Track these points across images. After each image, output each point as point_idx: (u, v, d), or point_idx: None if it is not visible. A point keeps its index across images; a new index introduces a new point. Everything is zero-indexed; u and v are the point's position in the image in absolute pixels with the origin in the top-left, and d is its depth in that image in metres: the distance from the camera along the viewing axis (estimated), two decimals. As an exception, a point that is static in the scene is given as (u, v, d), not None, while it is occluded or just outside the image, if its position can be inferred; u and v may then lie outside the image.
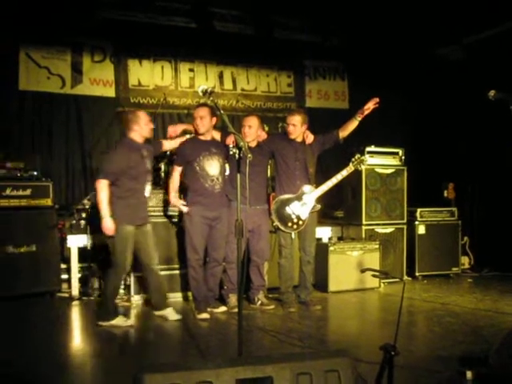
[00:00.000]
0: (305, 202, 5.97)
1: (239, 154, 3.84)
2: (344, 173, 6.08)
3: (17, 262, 6.30)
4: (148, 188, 5.47)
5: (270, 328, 5.26)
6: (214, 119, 5.81)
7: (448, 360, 4.23)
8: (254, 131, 5.94)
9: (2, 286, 5.80)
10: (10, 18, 7.37)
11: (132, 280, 6.35)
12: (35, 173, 6.56)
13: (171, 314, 5.57)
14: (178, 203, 5.82)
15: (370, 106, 6.02)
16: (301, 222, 5.97)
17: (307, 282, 6.25)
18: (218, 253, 5.88)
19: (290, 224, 5.97)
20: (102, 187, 5.12)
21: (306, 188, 5.99)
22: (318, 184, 6.10)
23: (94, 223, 6.30)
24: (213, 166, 5.75)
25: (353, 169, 6.12)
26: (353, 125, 6.16)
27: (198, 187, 5.72)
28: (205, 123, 5.74)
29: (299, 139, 6.07)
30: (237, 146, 3.85)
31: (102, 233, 5.20)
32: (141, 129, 5.37)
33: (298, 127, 5.99)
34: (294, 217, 5.96)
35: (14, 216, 6.33)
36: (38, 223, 6.51)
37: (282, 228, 5.99)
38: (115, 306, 5.69)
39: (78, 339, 5.32)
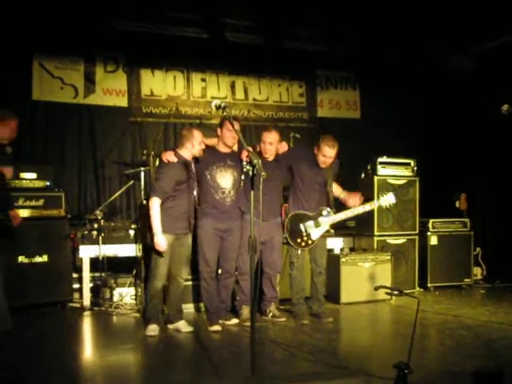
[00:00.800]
0: (320, 224, 5.94)
1: (253, 172, 3.83)
2: (368, 207, 6.04)
3: (29, 272, 6.34)
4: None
5: (282, 341, 5.24)
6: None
7: (460, 375, 4.19)
8: (274, 148, 5.92)
9: (14, 295, 5.80)
10: (24, 28, 7.42)
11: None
12: (48, 183, 6.60)
13: (184, 326, 5.58)
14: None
15: (356, 201, 6.07)
16: (310, 242, 5.97)
17: (319, 294, 6.24)
18: (229, 264, 5.89)
19: (299, 240, 5.97)
20: (154, 205, 5.30)
21: (325, 211, 5.97)
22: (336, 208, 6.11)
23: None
24: (225, 179, 5.75)
25: (379, 205, 6.06)
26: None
27: (208, 198, 5.73)
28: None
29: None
30: (250, 163, 3.84)
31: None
32: (192, 147, 5.46)
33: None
34: (304, 235, 5.95)
35: (27, 226, 6.34)
36: (51, 233, 6.55)
37: (290, 242, 6.00)
38: (177, 311, 5.72)
39: (89, 350, 5.34)
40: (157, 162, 7.49)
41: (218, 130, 5.84)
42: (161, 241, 5.28)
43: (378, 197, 6.13)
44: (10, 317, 5.23)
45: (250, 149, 4.18)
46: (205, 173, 5.71)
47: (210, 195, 5.72)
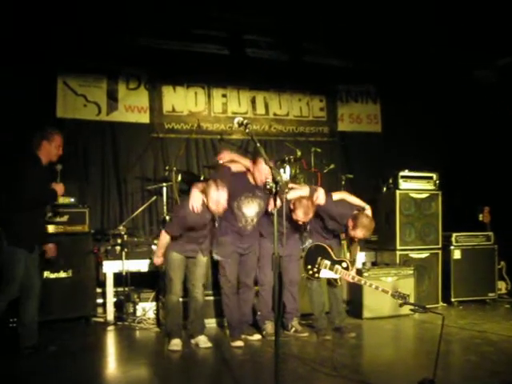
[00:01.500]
0: (335, 270, 5.93)
1: (276, 188, 3.85)
2: (380, 288, 5.87)
3: (53, 287, 6.40)
4: None
5: (305, 356, 5.23)
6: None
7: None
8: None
9: (39, 310, 5.86)
10: (48, 47, 7.57)
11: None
12: (72, 199, 6.67)
13: (203, 342, 5.60)
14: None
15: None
16: (316, 276, 5.99)
17: (339, 306, 6.23)
18: (249, 278, 5.92)
19: (309, 267, 5.99)
20: (162, 237, 5.52)
21: (345, 263, 5.96)
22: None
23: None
24: (251, 209, 5.75)
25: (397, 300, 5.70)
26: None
27: (231, 221, 5.75)
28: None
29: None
30: (274, 180, 3.86)
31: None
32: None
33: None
34: (316, 267, 5.96)
35: (52, 242, 6.44)
36: (75, 249, 6.61)
37: (302, 264, 6.05)
38: (198, 326, 5.74)
39: (112, 364, 5.37)
40: (179, 178, 7.59)
41: (251, 163, 5.77)
42: (157, 260, 5.63)
43: (394, 295, 5.62)
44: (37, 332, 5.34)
45: (271, 163, 4.19)
46: (232, 202, 5.64)
47: (233, 221, 5.74)
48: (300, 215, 5.66)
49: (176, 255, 5.49)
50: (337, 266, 5.92)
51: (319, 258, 5.95)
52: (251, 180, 5.75)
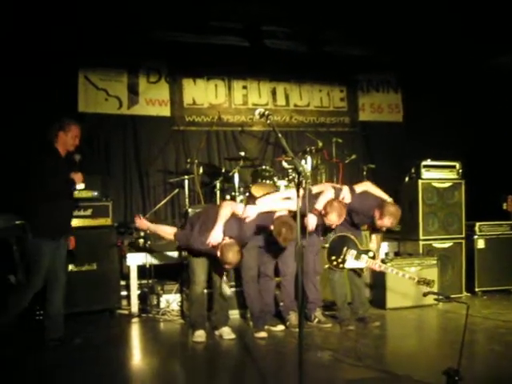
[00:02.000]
0: (359, 259, 5.91)
1: (298, 178, 3.86)
2: (406, 276, 5.92)
3: (78, 280, 6.45)
4: None
5: (328, 347, 5.24)
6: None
7: (509, 382, 4.13)
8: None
9: (64, 303, 5.94)
10: (69, 43, 7.63)
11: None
12: (95, 193, 6.73)
13: (227, 333, 5.63)
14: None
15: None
16: (341, 266, 5.96)
17: (362, 297, 6.22)
18: (268, 269, 5.93)
19: (333, 258, 5.97)
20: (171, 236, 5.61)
21: (371, 253, 5.94)
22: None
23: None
24: None
25: (422, 286, 5.83)
26: None
27: None
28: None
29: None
30: (296, 170, 3.87)
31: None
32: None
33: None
34: (341, 257, 5.94)
35: (76, 235, 6.52)
36: (99, 242, 6.67)
37: (326, 256, 6.01)
38: (222, 317, 5.77)
39: (137, 356, 5.43)
40: (200, 170, 7.63)
41: None
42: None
43: (419, 281, 5.81)
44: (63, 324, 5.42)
45: (292, 154, 4.19)
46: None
47: None
48: (334, 219, 5.63)
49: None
50: (363, 256, 5.90)
51: (345, 249, 5.92)
52: None
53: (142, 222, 5.85)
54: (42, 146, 5.45)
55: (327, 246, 6.03)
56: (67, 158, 5.50)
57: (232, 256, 5.12)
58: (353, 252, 5.92)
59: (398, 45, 8.82)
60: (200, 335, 5.52)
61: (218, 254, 5.20)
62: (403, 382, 2.83)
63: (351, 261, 5.92)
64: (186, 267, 6.49)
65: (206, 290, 5.78)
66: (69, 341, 5.38)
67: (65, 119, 5.47)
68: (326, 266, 6.08)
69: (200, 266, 5.56)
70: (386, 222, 5.79)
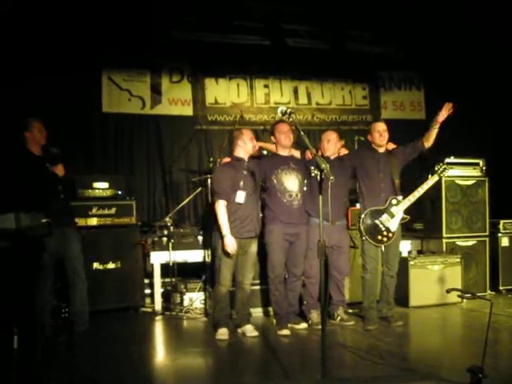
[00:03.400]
0: (394, 214, 5.92)
1: (321, 176, 3.87)
2: (430, 182, 6.06)
3: (102, 278, 6.56)
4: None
5: (351, 344, 5.25)
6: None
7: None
8: (332, 145, 6.03)
9: (88, 300, 6.04)
10: (93, 44, 7.70)
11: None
12: (119, 192, 6.82)
13: (250, 331, 5.66)
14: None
15: (444, 113, 5.93)
16: (390, 235, 5.94)
17: (389, 297, 6.19)
18: (297, 268, 5.93)
19: (379, 237, 5.94)
20: (220, 207, 5.46)
21: (394, 200, 5.95)
22: (403, 195, 6.06)
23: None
24: (290, 181, 5.80)
25: (437, 178, 6.12)
26: (433, 133, 6.09)
27: (276, 202, 5.79)
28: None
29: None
30: (318, 167, 3.88)
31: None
32: (244, 144, 5.59)
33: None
34: (383, 229, 5.93)
35: (100, 234, 6.62)
36: (123, 241, 6.76)
37: (371, 241, 5.96)
38: (244, 315, 5.82)
39: (160, 353, 5.49)
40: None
41: (272, 138, 6.03)
42: (230, 241, 5.39)
43: (436, 170, 6.20)
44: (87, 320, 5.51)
45: (314, 151, 4.21)
46: (271, 177, 5.80)
47: (278, 199, 5.78)
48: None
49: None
50: (392, 209, 5.93)
51: (376, 222, 5.92)
52: (282, 153, 5.94)
53: None
54: (15, 153, 5.51)
55: (365, 236, 5.97)
56: (46, 154, 5.59)
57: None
58: (384, 217, 5.93)
59: (420, 42, 8.75)
60: (223, 333, 5.55)
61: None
62: (426, 379, 2.83)
63: (393, 223, 5.93)
64: (210, 266, 6.56)
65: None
66: (93, 336, 5.47)
67: (24, 119, 5.55)
68: (383, 247, 6.02)
69: (228, 267, 5.56)
70: (375, 126, 6.18)
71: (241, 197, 5.50)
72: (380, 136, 6.04)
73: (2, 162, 5.35)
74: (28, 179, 5.21)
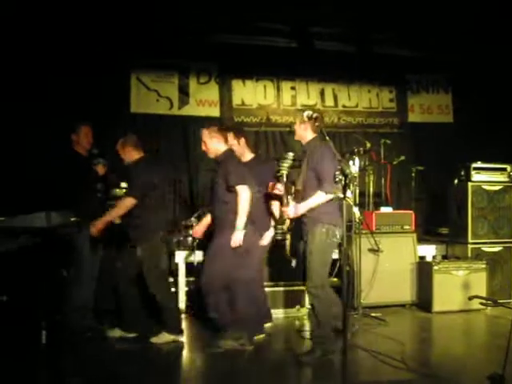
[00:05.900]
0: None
1: (345, 181, 3.90)
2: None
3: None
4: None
5: (372, 348, 5.25)
6: None
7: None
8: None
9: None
10: (123, 45, 7.83)
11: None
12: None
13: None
14: None
15: None
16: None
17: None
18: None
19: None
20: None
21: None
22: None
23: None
24: None
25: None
26: None
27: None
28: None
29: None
30: (343, 172, 3.91)
31: None
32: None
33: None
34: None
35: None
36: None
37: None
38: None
39: (185, 352, 5.52)
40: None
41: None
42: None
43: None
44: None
45: (338, 157, 4.21)
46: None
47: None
48: None
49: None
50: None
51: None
52: None
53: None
54: (66, 155, 5.97)
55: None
56: (90, 155, 6.04)
57: None
58: None
59: (448, 45, 8.70)
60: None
61: None
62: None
63: None
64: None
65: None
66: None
67: (75, 123, 5.99)
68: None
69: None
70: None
71: None
72: None
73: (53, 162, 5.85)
74: (73, 178, 5.60)
